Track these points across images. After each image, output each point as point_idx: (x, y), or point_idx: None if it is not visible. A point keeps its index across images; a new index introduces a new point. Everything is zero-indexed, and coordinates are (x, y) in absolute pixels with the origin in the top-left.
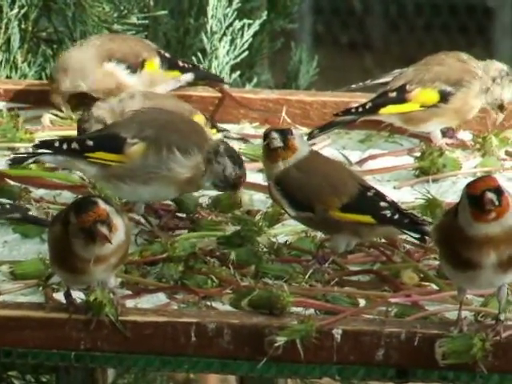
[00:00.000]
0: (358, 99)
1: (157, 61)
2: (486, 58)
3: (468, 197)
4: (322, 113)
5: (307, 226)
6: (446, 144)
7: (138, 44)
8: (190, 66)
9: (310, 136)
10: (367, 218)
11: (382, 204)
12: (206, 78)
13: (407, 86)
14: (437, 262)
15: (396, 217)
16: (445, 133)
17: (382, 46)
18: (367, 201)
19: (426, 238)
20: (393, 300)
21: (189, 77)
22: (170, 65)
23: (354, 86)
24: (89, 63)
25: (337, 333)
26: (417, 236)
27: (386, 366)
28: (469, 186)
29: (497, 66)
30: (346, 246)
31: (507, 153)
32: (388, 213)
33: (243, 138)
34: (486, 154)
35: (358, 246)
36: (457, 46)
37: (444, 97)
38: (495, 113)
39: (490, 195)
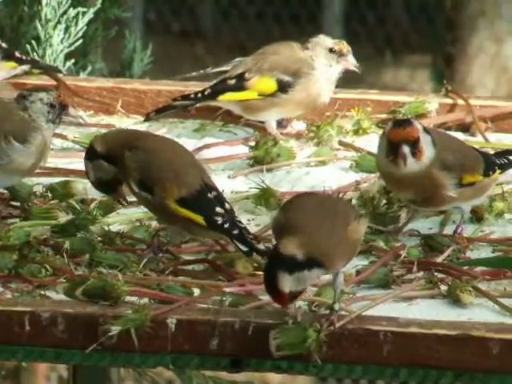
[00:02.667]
0: (193, 88)
1: None
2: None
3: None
4: (157, 101)
5: (147, 207)
6: (281, 133)
7: None
8: (28, 58)
9: (147, 118)
10: (199, 219)
11: (218, 209)
12: (43, 69)
13: (246, 74)
14: None
15: (226, 226)
16: (279, 122)
17: (214, 34)
18: (204, 201)
19: (254, 253)
20: (227, 289)
21: (25, 67)
22: (6, 55)
23: (194, 73)
24: None
25: (171, 322)
26: (245, 249)
27: (220, 356)
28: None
29: (328, 43)
30: (181, 237)
31: (340, 143)
32: (220, 220)
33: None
34: (320, 144)
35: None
36: (288, 34)
37: (282, 87)
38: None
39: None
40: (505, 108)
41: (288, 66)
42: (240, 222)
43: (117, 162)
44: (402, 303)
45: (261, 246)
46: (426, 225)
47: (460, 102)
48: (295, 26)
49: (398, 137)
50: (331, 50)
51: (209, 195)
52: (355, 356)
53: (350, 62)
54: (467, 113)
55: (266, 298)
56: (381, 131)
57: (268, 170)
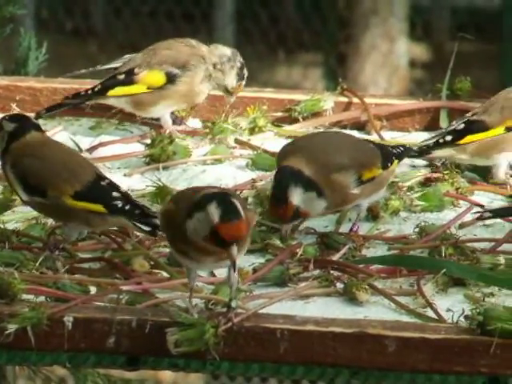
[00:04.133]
0: (88, 86)
1: None
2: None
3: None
4: (52, 99)
5: (40, 212)
6: (177, 131)
7: None
8: None
9: (37, 116)
10: (99, 208)
11: (115, 194)
12: None
13: (136, 69)
14: (167, 250)
15: (127, 207)
16: (174, 120)
17: (106, 33)
18: (100, 190)
19: (157, 231)
20: (124, 287)
21: None
22: None
23: (83, 70)
24: None
25: (68, 320)
26: (147, 229)
27: (117, 354)
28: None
29: (219, 52)
30: (78, 234)
31: (236, 141)
32: (119, 203)
33: None
34: (216, 142)
35: (90, 233)
36: (181, 33)
37: (170, 79)
38: (226, 96)
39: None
40: (399, 106)
41: (177, 58)
42: (138, 201)
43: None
44: (299, 301)
45: None
46: (322, 223)
47: (355, 100)
48: (188, 25)
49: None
50: (226, 91)
51: (102, 183)
52: (252, 354)
53: (228, 100)
54: (362, 111)
55: (162, 295)
56: (277, 129)
57: (164, 168)
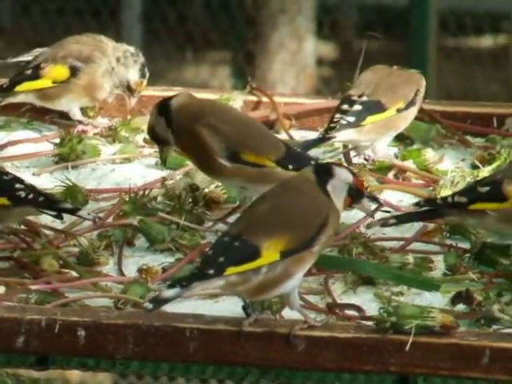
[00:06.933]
0: None
1: None
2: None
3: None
4: None
5: None
6: (86, 130)
7: None
8: None
9: None
10: (3, 201)
11: (18, 186)
12: None
13: (42, 64)
14: (76, 249)
15: (31, 196)
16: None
17: (14, 30)
18: (2, 183)
19: (63, 215)
20: (33, 287)
21: None
22: None
23: None
24: None
25: None
26: (53, 213)
27: (26, 353)
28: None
29: (123, 47)
30: None
31: (145, 140)
32: (23, 193)
33: None
34: (124, 141)
35: None
36: (89, 30)
37: (74, 72)
38: (127, 96)
39: None
40: (309, 105)
41: (82, 52)
42: (42, 190)
43: None
44: (208, 300)
45: (68, 205)
46: None
47: (264, 99)
48: (96, 22)
49: None
50: (128, 87)
51: (5, 178)
52: (161, 353)
53: (130, 101)
54: (271, 110)
55: (72, 295)
56: None
57: (73, 167)
